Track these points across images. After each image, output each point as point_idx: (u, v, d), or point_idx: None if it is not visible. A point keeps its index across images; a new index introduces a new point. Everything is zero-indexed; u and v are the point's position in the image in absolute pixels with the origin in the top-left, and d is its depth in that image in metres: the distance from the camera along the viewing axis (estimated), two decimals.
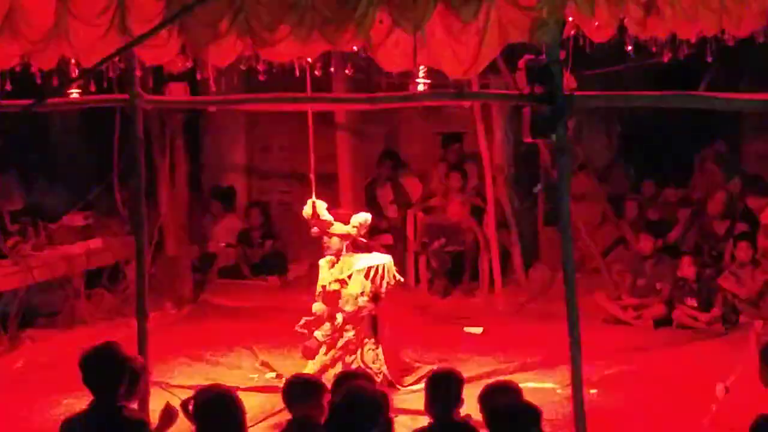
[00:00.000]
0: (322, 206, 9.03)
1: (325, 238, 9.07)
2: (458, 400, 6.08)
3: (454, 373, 6.24)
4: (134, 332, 8.15)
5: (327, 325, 8.99)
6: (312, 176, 9.16)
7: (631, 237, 12.63)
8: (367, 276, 8.99)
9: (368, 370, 8.43)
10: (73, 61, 7.93)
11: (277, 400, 7.25)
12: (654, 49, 8.12)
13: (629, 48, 7.75)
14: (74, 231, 12.39)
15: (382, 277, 9.03)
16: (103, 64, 7.42)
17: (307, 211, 9.02)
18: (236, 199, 14.38)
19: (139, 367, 6.29)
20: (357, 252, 9.13)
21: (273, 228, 13.93)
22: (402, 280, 9.23)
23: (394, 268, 9.15)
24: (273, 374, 9.65)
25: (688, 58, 8.42)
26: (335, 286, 9.03)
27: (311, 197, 9.07)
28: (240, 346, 10.59)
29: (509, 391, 6.05)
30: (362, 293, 8.96)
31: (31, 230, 11.87)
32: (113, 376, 5.78)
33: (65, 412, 6.15)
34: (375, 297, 9.00)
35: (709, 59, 8.19)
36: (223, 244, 13.78)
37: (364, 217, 9.22)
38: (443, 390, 6.07)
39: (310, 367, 8.84)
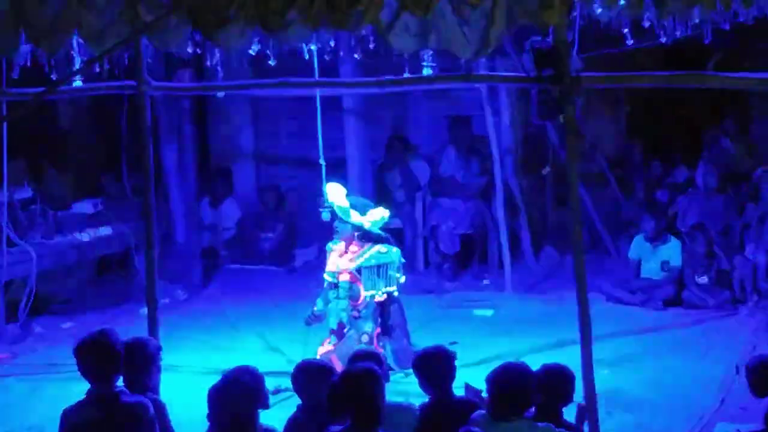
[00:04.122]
0: (339, 191, 9.02)
1: (337, 223, 9.04)
2: (451, 377, 6.13)
3: (442, 351, 6.27)
4: (144, 319, 8.17)
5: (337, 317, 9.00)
6: (322, 162, 9.12)
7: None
8: (378, 274, 8.97)
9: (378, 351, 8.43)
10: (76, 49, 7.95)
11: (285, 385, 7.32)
12: (676, 30, 8.08)
13: (646, 24, 7.70)
14: (84, 219, 12.41)
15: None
16: (113, 51, 7.43)
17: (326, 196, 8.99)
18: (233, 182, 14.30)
19: (153, 348, 6.32)
20: (368, 243, 9.09)
21: (285, 212, 13.89)
22: (403, 279, 9.17)
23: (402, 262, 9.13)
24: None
25: (694, 38, 8.40)
26: (345, 277, 9.02)
27: (323, 183, 9.04)
28: (249, 332, 10.62)
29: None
30: (375, 293, 8.94)
31: (40, 218, 11.88)
32: (108, 364, 5.80)
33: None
34: (388, 295, 9.00)
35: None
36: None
37: (380, 213, 9.16)
38: (433, 369, 6.13)
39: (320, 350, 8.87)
